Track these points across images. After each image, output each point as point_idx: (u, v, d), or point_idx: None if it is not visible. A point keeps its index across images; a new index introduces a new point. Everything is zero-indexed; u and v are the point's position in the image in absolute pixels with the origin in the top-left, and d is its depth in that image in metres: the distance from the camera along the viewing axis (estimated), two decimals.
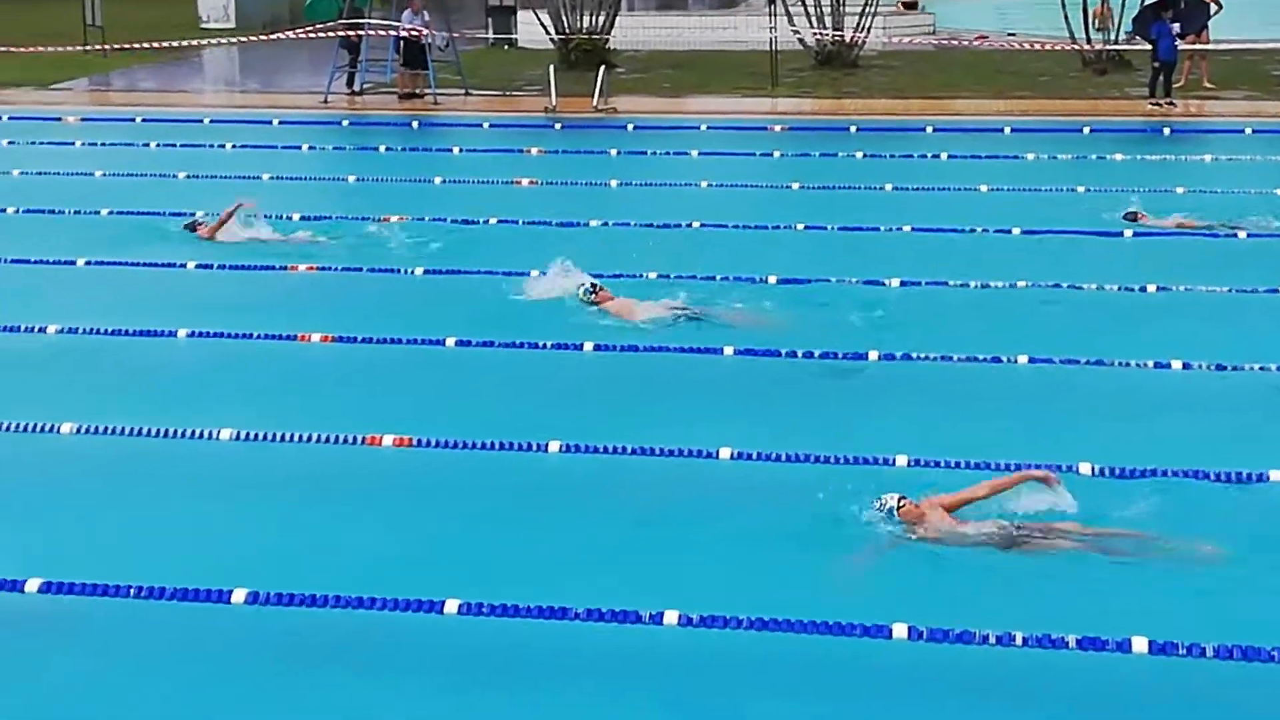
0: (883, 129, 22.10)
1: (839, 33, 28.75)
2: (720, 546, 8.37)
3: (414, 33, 24.96)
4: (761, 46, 27.68)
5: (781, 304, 13.01)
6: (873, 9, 28.73)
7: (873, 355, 11.36)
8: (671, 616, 7.27)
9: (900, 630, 7.13)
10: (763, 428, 9.92)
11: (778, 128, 22.50)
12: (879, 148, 20.17)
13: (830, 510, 8.48)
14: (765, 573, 8.05)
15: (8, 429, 9.83)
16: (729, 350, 11.49)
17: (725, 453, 9.35)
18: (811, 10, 28.76)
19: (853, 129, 22.04)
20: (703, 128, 22.29)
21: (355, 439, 9.63)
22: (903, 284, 13.41)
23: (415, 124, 23.53)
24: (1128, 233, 15.23)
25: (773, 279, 13.58)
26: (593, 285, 12.63)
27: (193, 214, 15.70)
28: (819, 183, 17.82)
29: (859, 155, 19.81)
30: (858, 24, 28.70)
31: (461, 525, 8.76)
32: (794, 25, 28.38)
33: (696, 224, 15.87)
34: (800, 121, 23.21)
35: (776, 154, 20.31)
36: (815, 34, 28.70)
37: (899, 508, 8.25)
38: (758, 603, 7.38)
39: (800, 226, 15.77)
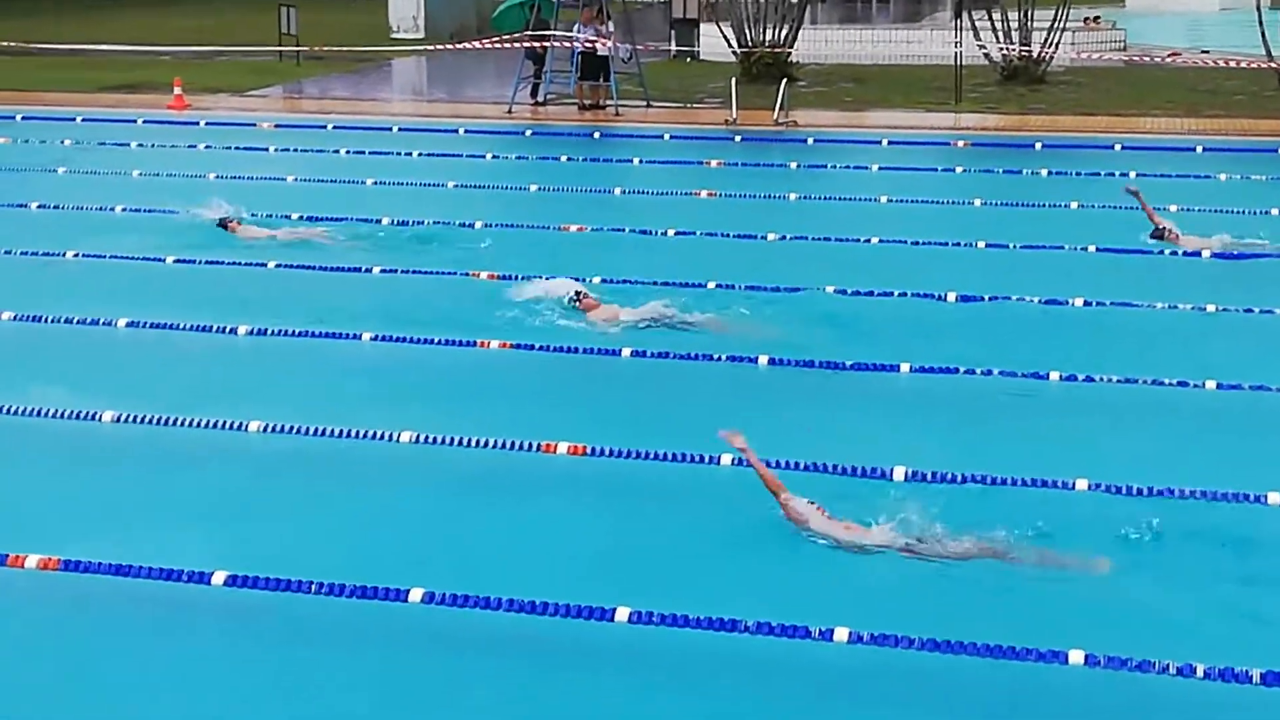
0: (1069, 146, 21.68)
1: (1026, 48, 28.32)
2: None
3: (590, 44, 25.20)
4: (945, 61, 27.37)
5: (960, 321, 12.88)
6: (1061, 24, 28.25)
7: (1054, 376, 11.16)
8: (842, 634, 7.23)
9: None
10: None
11: (960, 143, 22.24)
12: (1064, 165, 19.80)
13: None
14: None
15: (199, 425, 10.13)
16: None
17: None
18: (998, 25, 28.37)
19: (1037, 146, 21.67)
20: (884, 142, 22.11)
21: (531, 445, 9.73)
22: (1085, 304, 13.15)
23: (597, 135, 23.76)
24: None
25: (952, 296, 13.43)
26: (576, 293, 12.85)
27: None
28: (1001, 200, 17.55)
29: (1044, 173, 19.46)
30: (1045, 39, 28.24)
31: (635, 534, 8.79)
32: (980, 40, 28.01)
33: (875, 239, 15.74)
34: (984, 137, 22.88)
35: (959, 170, 20.07)
36: (1001, 49, 28.30)
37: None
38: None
39: (981, 244, 15.55)
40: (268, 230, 16.12)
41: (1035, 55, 28.28)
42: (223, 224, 16.08)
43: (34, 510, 9.05)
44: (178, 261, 14.81)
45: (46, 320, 12.68)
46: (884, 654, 7.19)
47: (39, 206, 17.53)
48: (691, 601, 7.53)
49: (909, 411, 10.85)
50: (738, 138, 22.97)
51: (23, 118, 24.86)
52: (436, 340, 12.16)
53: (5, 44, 31.33)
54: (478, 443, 9.75)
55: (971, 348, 11.87)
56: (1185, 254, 14.94)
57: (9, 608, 7.81)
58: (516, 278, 14.09)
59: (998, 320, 12.93)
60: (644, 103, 26.14)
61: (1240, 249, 14.94)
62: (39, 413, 10.30)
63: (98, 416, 10.24)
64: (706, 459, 9.41)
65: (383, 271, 14.44)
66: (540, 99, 26.53)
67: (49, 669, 7.28)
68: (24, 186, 18.77)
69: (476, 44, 29.47)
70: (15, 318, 12.76)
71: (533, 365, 11.81)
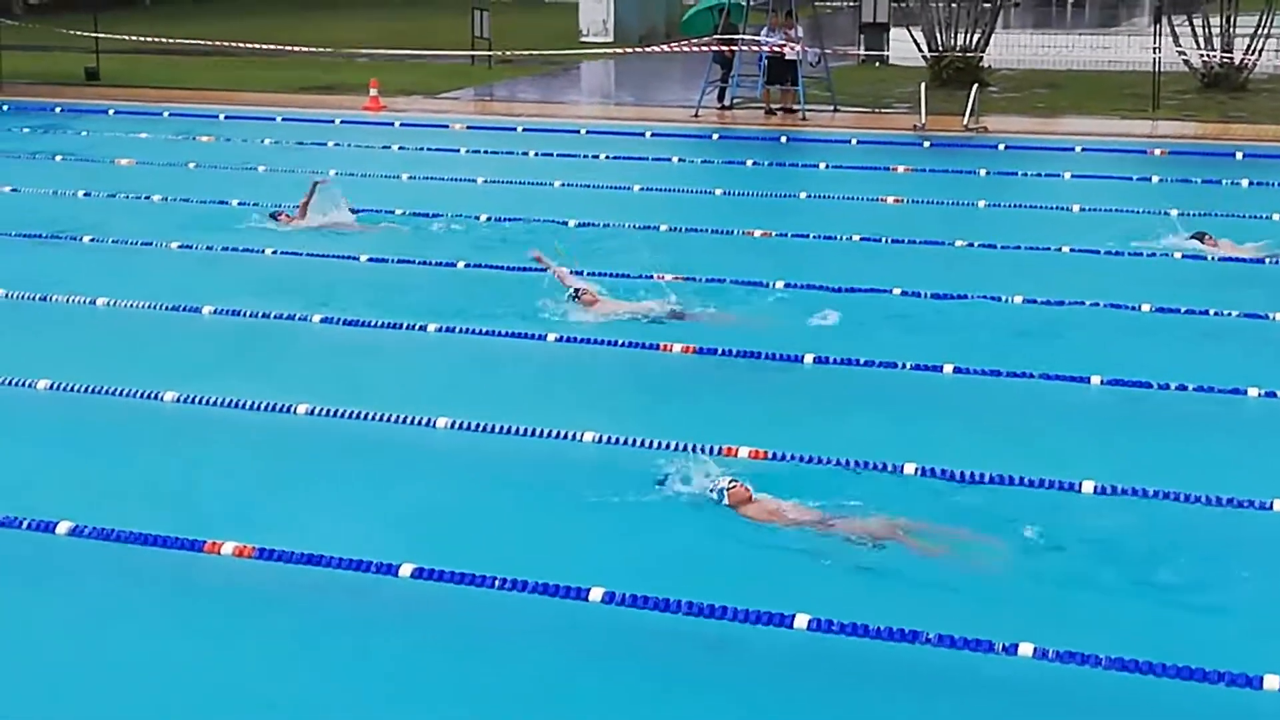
0: (1272, 156, 21.01)
1: (1227, 54, 27.50)
2: None
3: (777, 49, 25.14)
4: (1143, 67, 26.73)
5: (1155, 332, 12.59)
6: (1266, 30, 27.36)
7: (1253, 392, 10.82)
8: (1027, 649, 7.12)
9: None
10: None
11: (1158, 151, 21.67)
12: (1267, 176, 19.18)
13: None
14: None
15: (385, 420, 10.34)
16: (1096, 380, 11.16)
17: None
18: (1199, 30, 27.60)
19: (1238, 155, 21.02)
20: (1077, 149, 21.66)
21: (714, 449, 9.74)
22: None
23: (783, 139, 23.70)
24: None
25: (1146, 307, 13.12)
26: (575, 290, 13.11)
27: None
28: (1200, 209, 17.02)
29: (1244, 183, 18.88)
30: (1249, 46, 27.39)
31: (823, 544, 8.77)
32: (1179, 46, 27.28)
33: (1066, 249, 15.45)
34: (1182, 145, 22.24)
35: (1155, 179, 19.57)
36: (1202, 55, 27.52)
37: (729, 489, 8.75)
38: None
39: (1178, 255, 15.16)
40: (317, 223, 16.61)
41: (1237, 62, 27.44)
42: (274, 216, 16.78)
43: (231, 498, 9.33)
44: (370, 260, 15.16)
45: (246, 315, 13.08)
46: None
47: (239, 204, 18.08)
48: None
49: (1101, 426, 10.62)
50: (926, 143, 22.71)
51: (225, 117, 25.69)
52: (619, 342, 12.25)
53: (210, 44, 32.32)
54: (657, 444, 9.78)
55: (1167, 361, 11.58)
56: None
57: (206, 593, 8.06)
58: (702, 279, 14.16)
59: (1194, 333, 12.59)
60: (831, 107, 26.00)
61: None
62: (237, 404, 10.62)
63: (292, 409, 10.52)
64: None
65: (572, 273, 14.55)
66: (727, 103, 26.55)
67: (243, 656, 7.49)
68: (225, 184, 19.38)
69: (665, 47, 29.60)
70: (216, 311, 13.17)
71: (716, 368, 11.83)
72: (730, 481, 8.86)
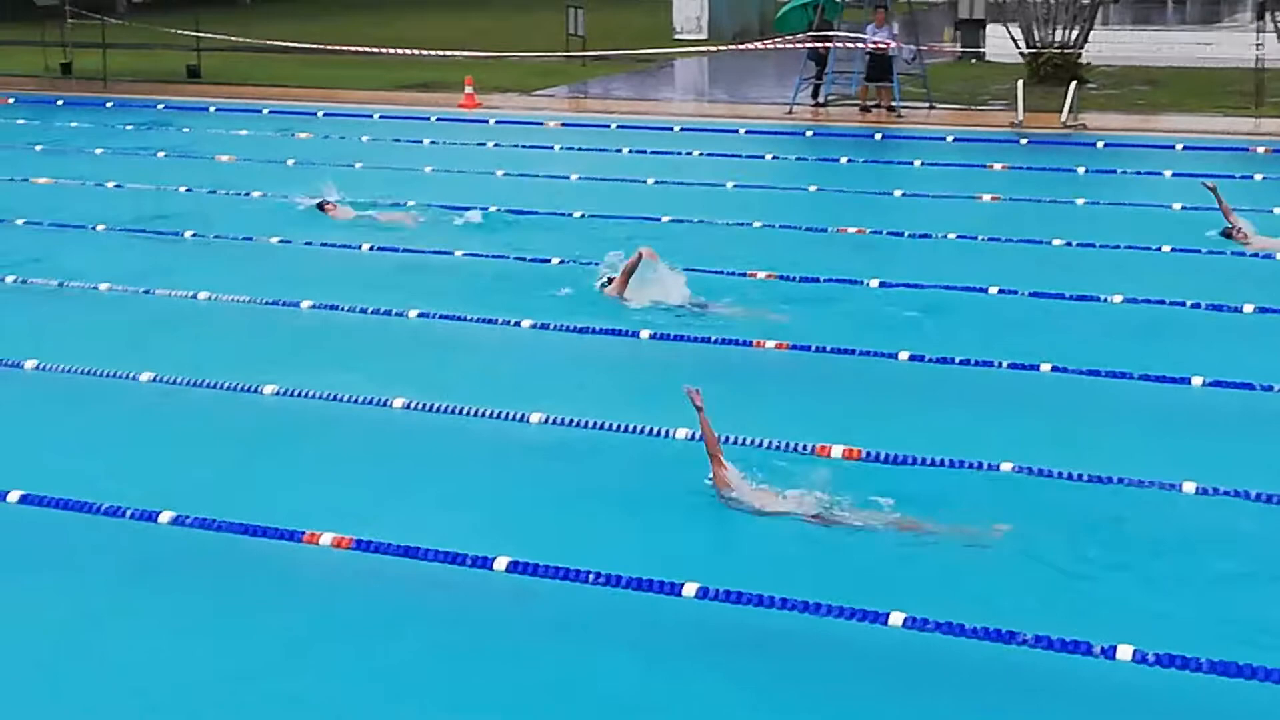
0: None
1: None
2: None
3: (880, 46, 25.01)
4: (1245, 64, 26.24)
5: (1258, 332, 12.39)
6: None
7: None
8: (1125, 652, 7.03)
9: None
10: None
11: (1261, 149, 21.30)
12: None
13: None
14: None
15: (484, 415, 10.43)
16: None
17: None
18: None
19: None
20: (1178, 147, 21.34)
21: (807, 448, 9.72)
22: None
23: (878, 136, 23.57)
24: None
25: (1249, 308, 12.92)
26: (609, 278, 13.39)
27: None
28: None
29: None
30: None
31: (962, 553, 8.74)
32: None
33: (1166, 248, 15.23)
34: None
35: (1258, 177, 19.24)
36: None
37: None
38: None
39: None
40: (360, 212, 17.16)
41: None
42: (320, 207, 17.17)
43: (330, 490, 9.44)
44: (467, 255, 15.28)
45: (344, 309, 13.22)
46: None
47: (337, 199, 18.28)
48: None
49: (1202, 427, 10.45)
50: (1023, 140, 22.48)
51: (324, 114, 26.00)
52: (714, 339, 12.25)
53: (310, 44, 32.68)
54: (750, 441, 9.77)
55: (1270, 362, 11.39)
56: None
57: (304, 583, 8.18)
58: (796, 279, 14.13)
59: None
60: (927, 104, 25.82)
61: None
62: (337, 398, 10.74)
63: (389, 403, 10.63)
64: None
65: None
66: (821, 100, 26.45)
67: (340, 647, 7.58)
68: (323, 180, 19.59)
69: (758, 44, 29.55)
70: (315, 306, 13.34)
71: (808, 364, 11.80)
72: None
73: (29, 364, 11.57)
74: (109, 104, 27.55)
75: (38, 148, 22.72)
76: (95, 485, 9.13)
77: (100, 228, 16.68)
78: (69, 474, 9.45)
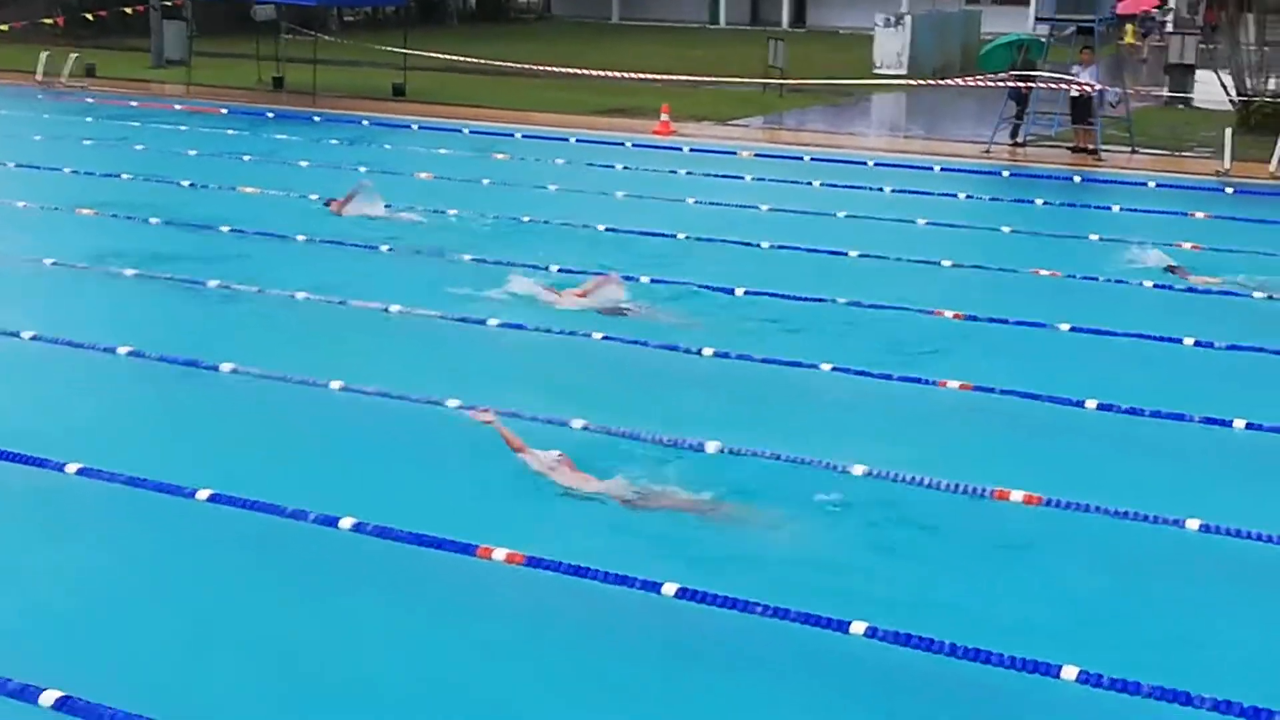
0: None
1: None
2: None
3: (1086, 88, 24.57)
4: None
5: None
6: None
7: None
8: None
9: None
10: None
11: None
12: None
13: None
14: None
15: (665, 443, 10.47)
16: None
17: None
18: None
19: None
20: None
21: (983, 491, 9.57)
22: None
23: (1077, 179, 23.14)
24: None
25: None
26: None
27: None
28: None
29: None
30: None
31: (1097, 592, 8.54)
32: None
33: None
34: None
35: None
36: None
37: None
38: None
39: None
40: (364, 210, 18.54)
41: None
42: (326, 204, 18.84)
43: (507, 506, 9.56)
44: (653, 281, 15.34)
45: (530, 329, 13.37)
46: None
47: (528, 220, 18.58)
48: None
49: None
50: (1229, 189, 21.87)
51: (522, 136, 26.44)
52: (892, 376, 12.13)
53: (511, 65, 33.28)
54: (930, 482, 9.66)
55: None
56: None
57: (476, 597, 8.29)
58: (981, 317, 13.94)
59: None
60: (1129, 148, 25.27)
61: None
62: (520, 415, 10.86)
63: (567, 423, 10.72)
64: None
65: (848, 304, 14.52)
66: (1020, 140, 26.07)
67: (514, 663, 7.66)
68: (518, 201, 19.95)
69: (959, 81, 29.24)
70: (502, 324, 13.53)
71: (990, 405, 11.62)
72: (559, 455, 9.89)
73: (225, 366, 11.93)
74: (316, 118, 28.39)
75: (246, 157, 23.52)
76: (282, 488, 9.38)
77: (300, 238, 17.16)
78: (259, 475, 9.73)
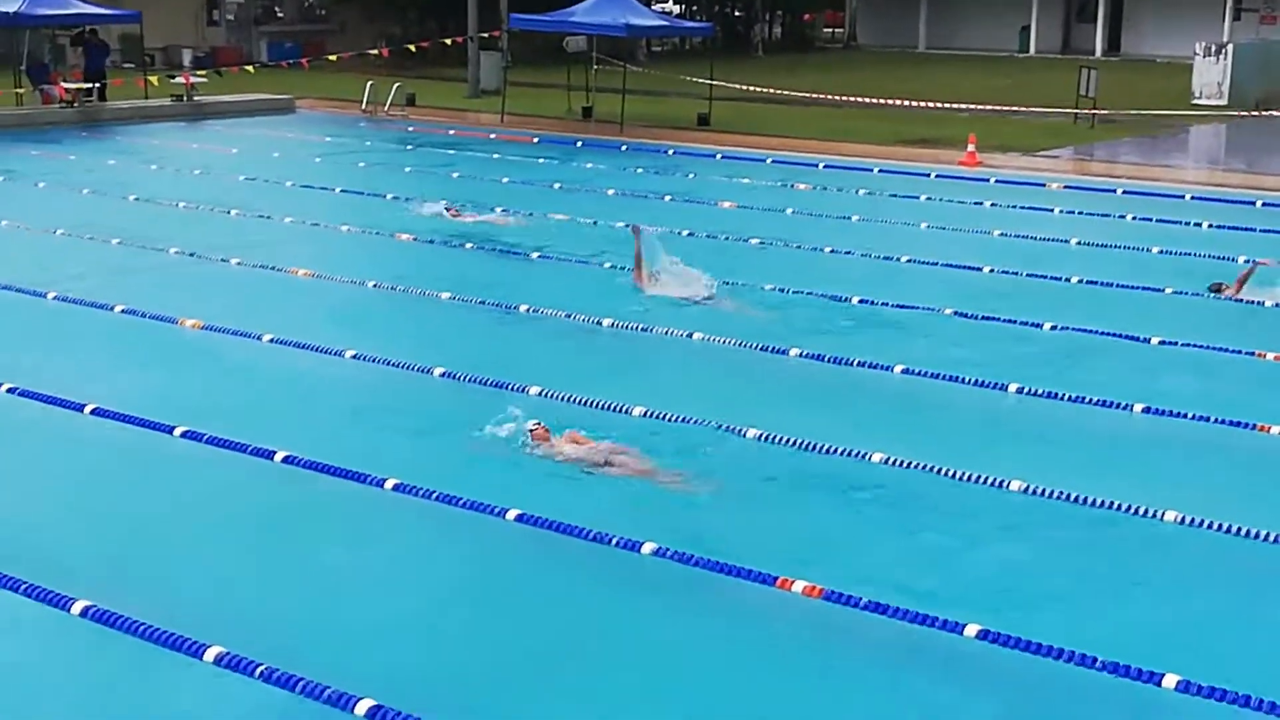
0: None
1: None
2: None
3: None
4: None
5: None
6: None
7: None
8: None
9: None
10: None
11: None
12: None
13: None
14: None
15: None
16: None
17: None
18: None
19: None
20: None
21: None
22: None
23: None
24: None
25: None
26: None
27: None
28: None
29: None
30: None
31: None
32: None
33: None
34: None
35: None
36: None
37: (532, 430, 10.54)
38: None
39: None
40: (479, 216, 20.21)
41: None
42: (447, 209, 20.47)
43: (804, 541, 9.56)
44: (956, 314, 15.10)
45: (830, 360, 13.34)
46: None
47: (830, 251, 18.55)
48: None
49: None
50: None
51: (825, 166, 26.43)
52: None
53: (816, 95, 33.34)
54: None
55: None
56: None
57: (775, 627, 8.30)
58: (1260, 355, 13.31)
59: None
60: None
61: None
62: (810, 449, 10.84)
63: (868, 456, 10.63)
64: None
65: (1161, 343, 14.02)
66: None
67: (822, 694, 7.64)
68: (820, 232, 19.92)
69: None
70: (803, 354, 13.53)
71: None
72: (534, 424, 10.58)
73: (533, 390, 12.22)
74: (624, 147, 28.97)
75: (556, 185, 24.14)
76: (582, 509, 9.58)
77: (607, 264, 17.44)
78: (565, 500, 9.95)
